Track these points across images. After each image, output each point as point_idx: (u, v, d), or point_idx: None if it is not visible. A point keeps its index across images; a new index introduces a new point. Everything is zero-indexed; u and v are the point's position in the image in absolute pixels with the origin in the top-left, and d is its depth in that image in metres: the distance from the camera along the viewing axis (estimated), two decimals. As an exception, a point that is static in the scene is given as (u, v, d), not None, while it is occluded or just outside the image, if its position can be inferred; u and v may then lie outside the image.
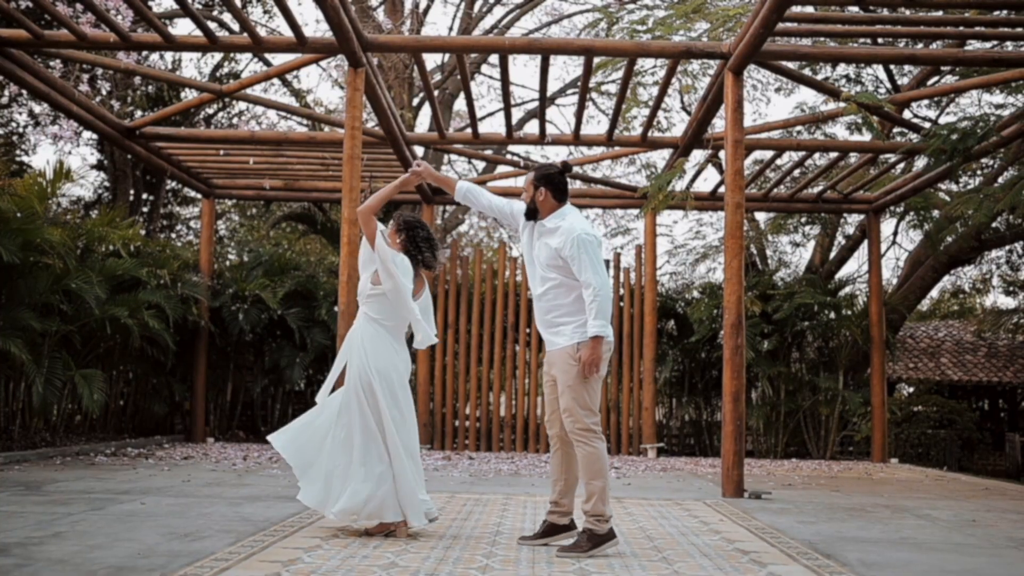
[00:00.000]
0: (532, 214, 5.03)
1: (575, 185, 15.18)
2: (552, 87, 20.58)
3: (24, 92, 13.04)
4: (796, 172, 14.12)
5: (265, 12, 18.90)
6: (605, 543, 4.71)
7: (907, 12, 8.39)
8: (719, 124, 12.18)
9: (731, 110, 8.30)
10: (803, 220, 16.73)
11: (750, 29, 7.76)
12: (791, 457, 13.73)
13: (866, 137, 14.07)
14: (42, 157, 23.46)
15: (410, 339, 5.44)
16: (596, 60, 9.65)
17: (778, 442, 13.85)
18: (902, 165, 13.60)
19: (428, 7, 19.39)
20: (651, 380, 13.18)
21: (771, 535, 5.59)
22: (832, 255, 18.02)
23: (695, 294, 15.08)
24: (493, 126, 22.38)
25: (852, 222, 17.44)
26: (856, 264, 27.38)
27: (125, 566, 4.12)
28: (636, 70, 14.31)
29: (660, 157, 18.09)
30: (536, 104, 14.58)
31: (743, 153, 8.37)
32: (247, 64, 19.55)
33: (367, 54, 8.67)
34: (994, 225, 15.40)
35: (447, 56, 19.03)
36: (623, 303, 13.52)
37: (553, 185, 5.00)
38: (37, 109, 16.77)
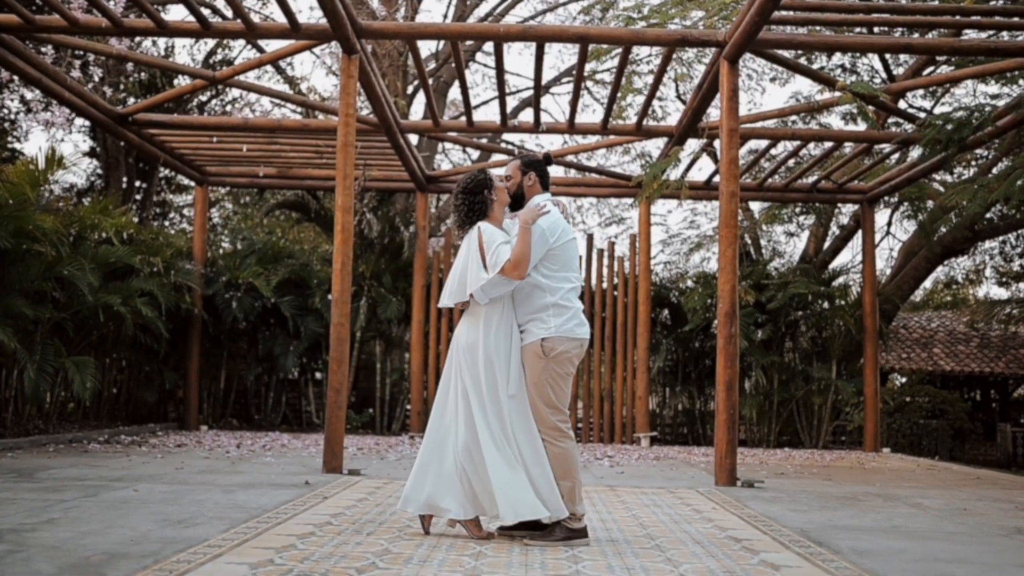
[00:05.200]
0: (518, 201, 5.02)
1: (570, 174, 15.19)
2: (547, 75, 20.53)
3: (16, 78, 12.97)
4: (791, 162, 14.13)
5: (259, -2, 18.79)
6: (577, 538, 4.69)
7: (903, 1, 8.39)
8: (714, 113, 12.17)
9: (726, 99, 8.29)
10: (797, 210, 16.74)
11: (746, 17, 7.74)
12: (784, 446, 13.77)
13: (861, 127, 14.06)
14: (34, 144, 23.36)
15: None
16: (591, 48, 9.62)
17: (771, 431, 13.88)
18: (897, 155, 13.60)
19: (423, -6, 19.31)
20: (645, 369, 13.19)
21: (764, 523, 5.60)
22: (826, 245, 18.05)
23: (689, 283, 15.10)
24: (487, 114, 22.37)
25: (846, 212, 17.47)
26: (850, 254, 27.52)
27: (118, 552, 4.11)
28: (631, 58, 14.28)
29: (655, 146, 18.12)
30: (531, 92, 14.59)
31: (738, 142, 8.37)
32: (240, 51, 19.46)
33: (361, 41, 8.63)
34: (988, 216, 15.43)
35: (441, 44, 18.97)
36: (617, 292, 13.52)
37: (540, 172, 5.05)
38: (29, 95, 16.66)
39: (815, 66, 14.54)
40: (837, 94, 9.10)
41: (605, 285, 13.63)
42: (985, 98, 15.26)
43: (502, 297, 4.83)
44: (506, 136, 19.12)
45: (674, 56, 12.50)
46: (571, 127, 11.34)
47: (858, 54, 15.07)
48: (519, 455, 4.67)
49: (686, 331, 13.98)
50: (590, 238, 14.05)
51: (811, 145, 13.79)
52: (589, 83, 19.94)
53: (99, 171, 19.07)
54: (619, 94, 10.83)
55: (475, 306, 4.85)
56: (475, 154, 21.08)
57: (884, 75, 15.21)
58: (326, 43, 10.16)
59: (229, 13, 15.44)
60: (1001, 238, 17.77)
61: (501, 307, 4.83)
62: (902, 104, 14.75)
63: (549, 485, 4.69)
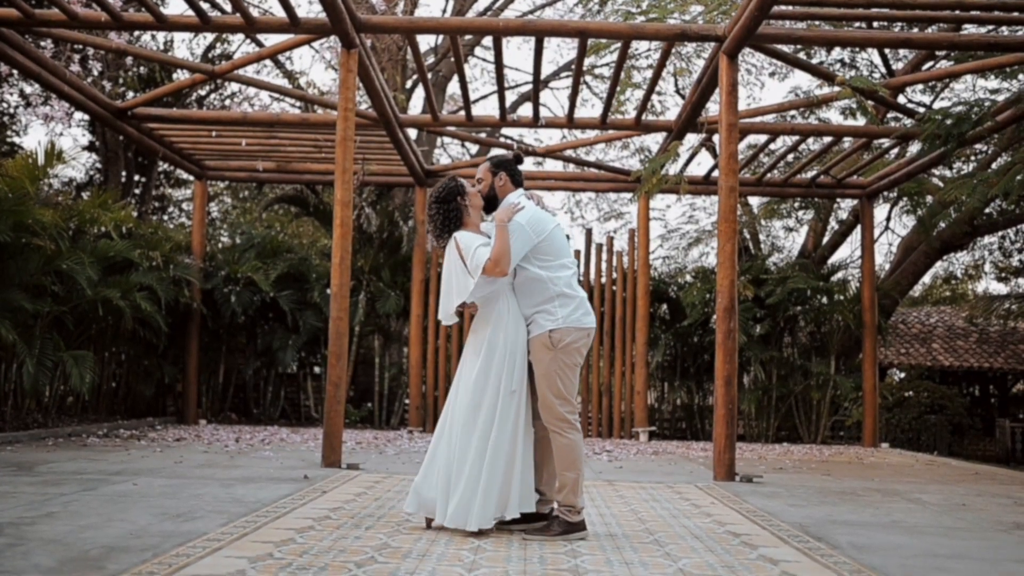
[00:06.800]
0: (492, 203, 5.03)
1: (569, 168, 15.18)
2: (546, 70, 20.52)
3: (15, 72, 12.96)
4: (790, 157, 14.12)
5: (258, -8, 18.75)
6: (574, 532, 4.70)
7: (902, -5, 8.36)
8: (713, 108, 12.17)
9: (725, 94, 8.28)
10: (796, 205, 16.73)
11: (745, 12, 7.73)
12: (782, 441, 13.78)
13: (860, 122, 14.05)
14: (33, 138, 23.42)
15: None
16: (590, 42, 9.61)
17: (769, 426, 13.89)
18: (896, 150, 13.59)
19: (422, -11, 19.26)
20: (643, 364, 13.19)
21: (762, 518, 5.61)
22: (825, 240, 18.05)
23: (688, 278, 15.09)
24: (486, 109, 22.33)
25: (845, 207, 17.46)
26: (849, 249, 27.54)
27: (117, 546, 4.12)
28: (630, 53, 14.26)
29: (654, 141, 18.11)
30: (530, 87, 14.58)
31: (737, 137, 8.36)
32: (239, 45, 19.44)
33: (360, 35, 8.62)
34: (987, 211, 15.43)
35: (440, 38, 18.95)
36: (616, 287, 13.52)
37: (511, 171, 5.07)
38: (28, 89, 16.67)
39: (814, 61, 14.52)
40: (836, 89, 9.10)
41: (604, 280, 13.63)
42: (984, 93, 15.29)
43: (503, 295, 4.84)
44: (505, 130, 19.10)
45: (673, 51, 12.49)
46: (570, 121, 11.33)
47: (857, 49, 15.05)
48: (501, 452, 4.69)
49: (685, 326, 13.98)
50: (589, 232, 14.04)
51: (810, 140, 13.79)
52: (588, 77, 19.93)
53: (98, 165, 19.07)
54: (618, 89, 10.83)
55: (485, 309, 4.88)
56: (474, 148, 21.07)
57: (883, 70, 15.21)
58: (325, 37, 10.15)
59: (228, 7, 15.42)
60: (1000, 233, 17.77)
61: (507, 305, 4.85)
62: (901, 99, 14.74)
63: (528, 482, 4.77)
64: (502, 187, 5.03)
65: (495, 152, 17.23)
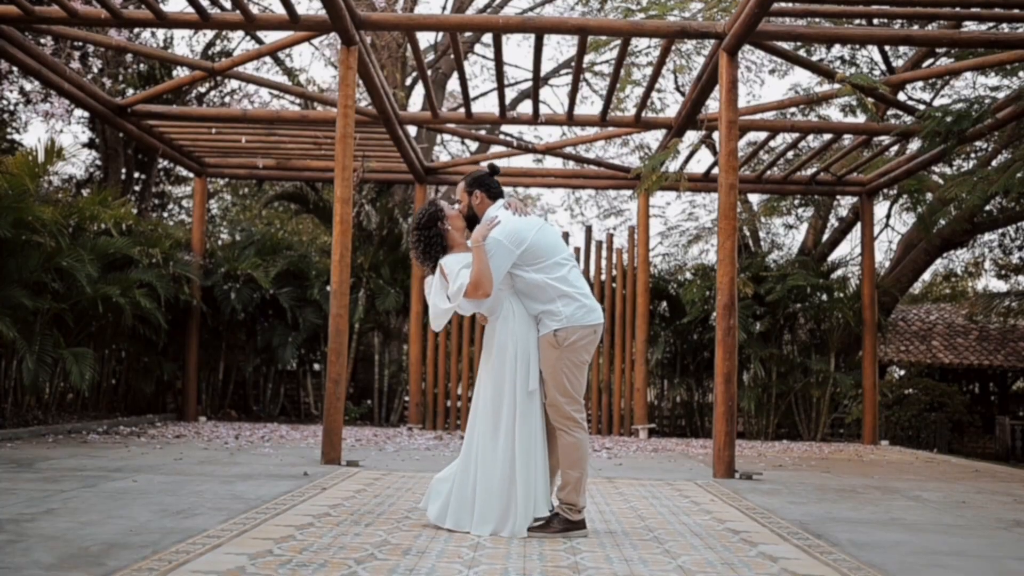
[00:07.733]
0: (473, 222, 5.02)
1: (569, 166, 15.17)
2: (546, 67, 20.52)
3: (15, 69, 12.95)
4: (790, 154, 14.11)
5: (258, -10, 18.72)
6: (575, 530, 4.72)
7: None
8: (713, 105, 12.15)
9: (725, 91, 8.27)
10: (796, 202, 16.72)
11: (745, 9, 7.72)
12: (782, 439, 13.78)
13: (860, 119, 14.04)
14: (33, 135, 23.35)
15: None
16: (590, 40, 9.61)
17: (769, 424, 13.89)
18: (896, 147, 13.58)
19: (422, -14, 19.24)
20: (643, 361, 13.19)
21: (762, 515, 5.61)
22: (825, 237, 18.04)
23: (688, 275, 15.08)
24: (486, 106, 22.30)
25: (845, 204, 17.45)
26: (849, 246, 27.50)
27: (118, 542, 4.12)
28: (630, 50, 14.25)
29: (654, 138, 18.10)
30: (529, 84, 14.58)
31: (737, 134, 8.35)
32: (239, 42, 19.43)
33: (360, 32, 8.62)
34: (987, 208, 15.42)
35: (440, 35, 18.94)
36: (615, 284, 13.52)
37: (485, 187, 5.02)
38: (28, 86, 16.64)
39: (814, 58, 14.52)
40: (836, 86, 9.11)
41: (604, 277, 13.63)
42: (985, 90, 15.28)
43: (505, 299, 4.85)
44: (505, 128, 19.10)
45: (673, 48, 12.49)
46: (570, 119, 11.32)
47: (857, 46, 15.04)
48: (530, 457, 4.72)
49: (684, 323, 13.98)
50: (588, 230, 14.04)
51: (810, 137, 13.79)
52: (588, 75, 19.91)
53: (98, 162, 19.05)
54: (618, 86, 10.83)
55: (492, 316, 4.90)
56: (473, 146, 21.06)
57: (883, 67, 15.19)
58: (325, 34, 10.14)
59: (228, 4, 15.42)
60: (1000, 230, 17.75)
61: (511, 308, 4.86)
62: (901, 96, 14.74)
63: (547, 481, 4.80)
64: (479, 205, 4.99)
65: (494, 150, 17.23)
